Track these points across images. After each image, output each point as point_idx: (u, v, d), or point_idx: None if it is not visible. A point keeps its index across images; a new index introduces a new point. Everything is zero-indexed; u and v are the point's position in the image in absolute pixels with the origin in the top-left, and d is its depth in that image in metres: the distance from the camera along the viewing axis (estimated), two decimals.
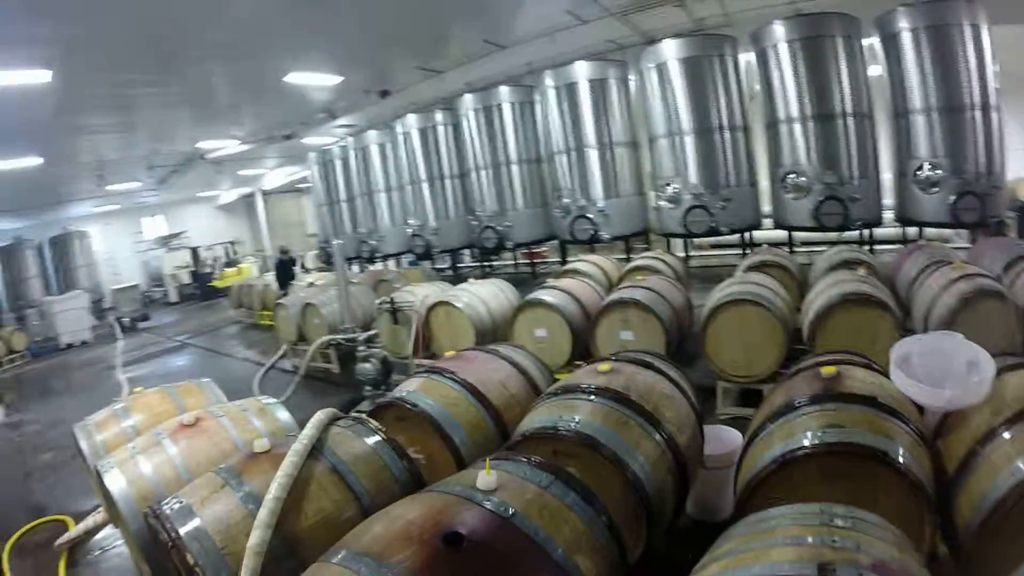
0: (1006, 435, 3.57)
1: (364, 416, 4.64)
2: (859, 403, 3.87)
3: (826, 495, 3.03)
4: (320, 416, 4.21)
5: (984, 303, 6.60)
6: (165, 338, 20.17)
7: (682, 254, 14.95)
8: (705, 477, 5.09)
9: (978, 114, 11.62)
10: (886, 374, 4.41)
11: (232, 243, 35.18)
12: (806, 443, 3.63)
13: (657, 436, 4.27)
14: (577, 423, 4.16)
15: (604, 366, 4.93)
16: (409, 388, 5.29)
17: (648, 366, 5.16)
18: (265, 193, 36.04)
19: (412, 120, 18.88)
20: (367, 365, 9.12)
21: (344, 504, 3.72)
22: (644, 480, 3.96)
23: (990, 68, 11.66)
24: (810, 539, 2.38)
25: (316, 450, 3.90)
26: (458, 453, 4.83)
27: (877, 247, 13.27)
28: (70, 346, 21.66)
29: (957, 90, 11.63)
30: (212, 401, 5.96)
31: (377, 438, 4.26)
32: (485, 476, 3.13)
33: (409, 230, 19.29)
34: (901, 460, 3.46)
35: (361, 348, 9.35)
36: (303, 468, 3.69)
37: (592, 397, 4.44)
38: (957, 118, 11.66)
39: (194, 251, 32.77)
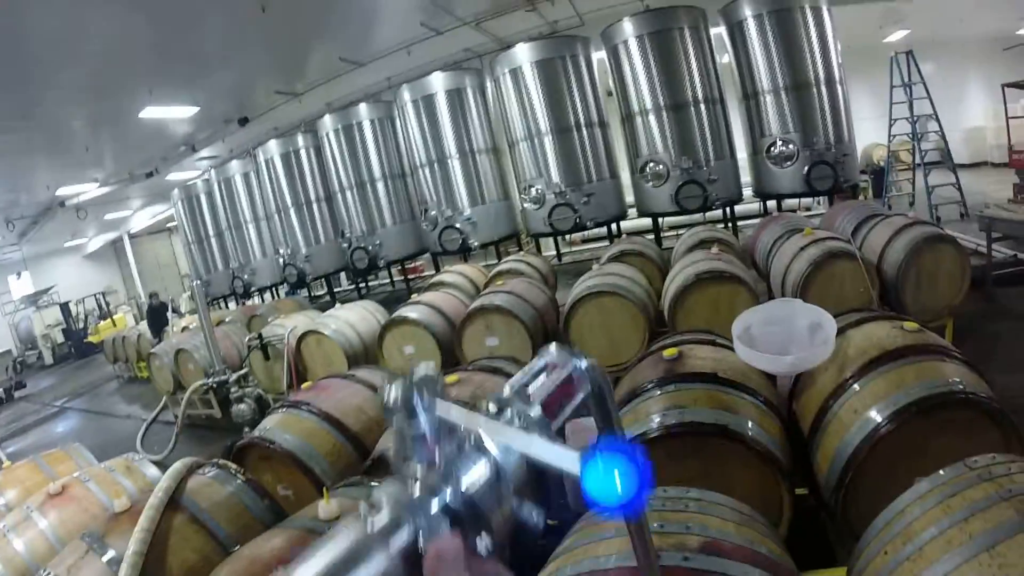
0: (855, 387, 3.55)
1: (223, 461, 4.53)
2: (700, 381, 3.74)
3: (680, 476, 3.02)
4: (177, 466, 4.08)
5: (834, 264, 6.70)
6: (43, 404, 18.87)
7: (553, 252, 15.04)
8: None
9: (824, 89, 12.12)
10: (732, 348, 4.23)
11: (104, 293, 33.04)
12: (651, 427, 3.51)
13: None
14: None
15: (452, 378, 4.96)
16: (267, 426, 5.24)
17: (496, 371, 5.18)
18: (133, 236, 34.09)
19: (273, 146, 18.10)
20: (242, 406, 8.92)
21: (208, 552, 3.65)
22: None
23: (833, 45, 12.18)
24: None
25: (176, 501, 3.81)
26: (321, 483, 4.70)
27: (740, 223, 13.59)
28: None
29: (802, 68, 12.10)
30: (83, 465, 5.77)
31: (238, 481, 4.18)
32: (325, 506, 3.23)
33: (280, 259, 18.48)
34: (746, 431, 3.38)
35: (234, 389, 9.14)
36: (164, 521, 3.62)
37: None
38: (804, 95, 12.13)
39: (64, 307, 30.55)
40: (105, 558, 3.45)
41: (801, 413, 3.93)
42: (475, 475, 1.21)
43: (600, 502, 1.03)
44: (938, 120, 13.06)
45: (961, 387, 3.25)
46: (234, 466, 4.36)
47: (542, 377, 1.52)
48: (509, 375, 4.88)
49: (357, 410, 5.47)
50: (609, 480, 1.02)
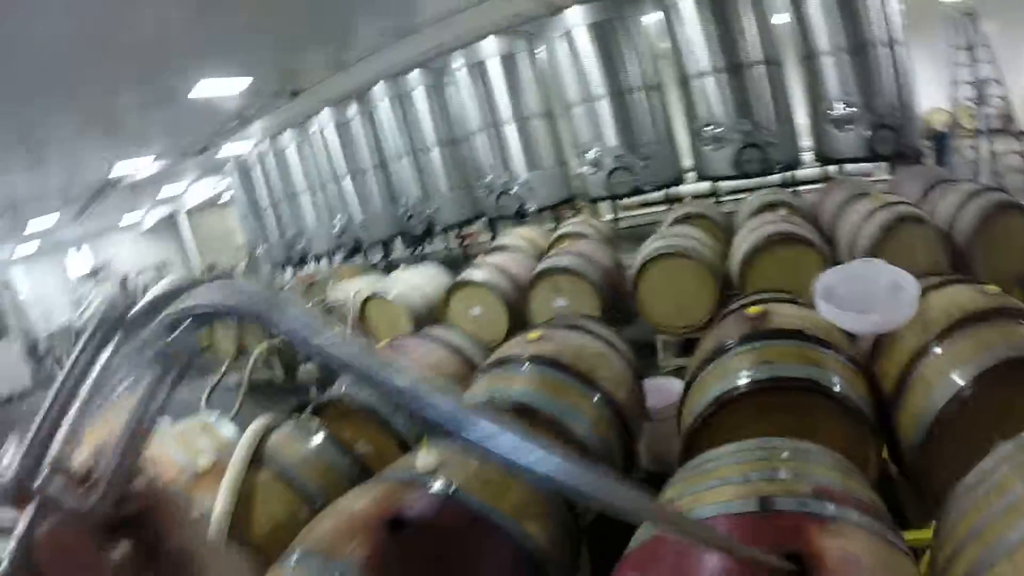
0: (937, 350, 3.60)
1: (304, 417, 4.70)
2: (787, 338, 3.86)
3: (767, 432, 3.01)
4: (256, 425, 4.12)
5: (905, 229, 6.67)
6: None
7: (611, 217, 14.96)
8: (653, 429, 5.03)
9: (885, 50, 11.79)
10: (813, 308, 4.36)
11: (162, 267, 33.92)
12: (739, 383, 3.60)
13: (595, 396, 4.23)
14: (512, 394, 4.11)
15: (533, 335, 4.88)
16: (347, 383, 5.22)
17: (578, 328, 5.15)
18: (188, 211, 34.74)
19: (326, 116, 18.36)
20: (310, 366, 8.91)
21: (295, 507, 3.69)
22: (587, 440, 3.93)
23: (894, 4, 11.86)
24: (750, 475, 2.36)
25: (259, 459, 3.83)
26: (402, 440, 4.81)
27: (800, 188, 13.35)
28: (10, 398, 20.55)
29: (863, 28, 11.77)
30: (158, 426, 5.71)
31: (320, 437, 4.23)
32: (424, 457, 3.09)
33: (336, 228, 18.84)
34: (835, 387, 3.46)
35: None
36: (249, 478, 3.63)
37: (525, 366, 4.36)
38: (865, 56, 11.81)
39: (123, 280, 31.38)
40: (192, 517, 3.50)
41: (882, 374, 4.00)
42: None
43: None
44: (1002, 84, 12.74)
45: None
46: (315, 422, 4.46)
47: None
48: (590, 331, 5.07)
49: (435, 368, 5.53)
50: None
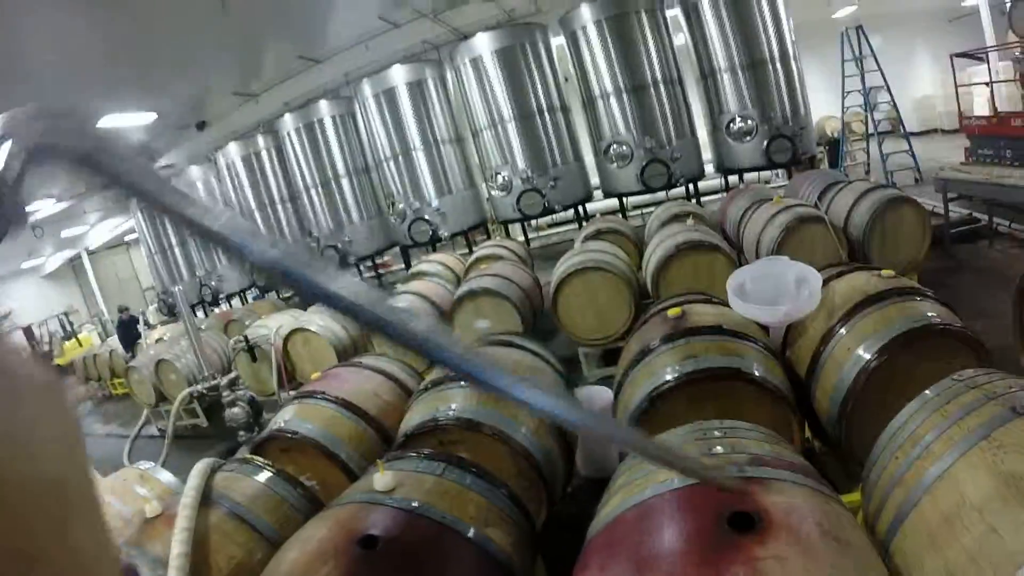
0: (842, 331, 3.93)
1: (248, 455, 4.51)
2: (707, 333, 4.06)
3: (696, 420, 3.17)
4: (200, 466, 3.95)
5: (805, 228, 7.18)
6: None
7: (521, 238, 15.20)
8: (588, 436, 5.12)
9: (779, 65, 12.66)
10: (727, 305, 4.61)
11: (66, 313, 32.27)
12: (668, 377, 3.80)
13: None
14: (455, 410, 4.21)
15: None
16: (285, 418, 5.17)
17: (508, 344, 5.28)
18: (91, 252, 33.15)
19: (233, 149, 18.00)
20: (236, 410, 8.69)
21: (252, 545, 3.60)
22: (531, 448, 4.05)
23: (786, 23, 12.69)
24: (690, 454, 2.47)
25: (209, 500, 3.69)
26: (348, 469, 4.79)
27: (704, 199, 14.08)
28: None
29: (757, 46, 12.61)
30: None
31: (267, 473, 4.11)
32: (381, 477, 3.11)
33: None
34: (756, 372, 3.72)
35: (226, 393, 8.88)
36: (201, 521, 3.48)
37: (462, 383, 4.43)
38: (760, 72, 12.65)
39: (27, 330, 29.33)
40: (147, 565, 3.34)
41: (796, 359, 4.33)
42: None
43: None
44: (889, 91, 13.64)
45: (939, 320, 3.67)
46: (259, 459, 4.33)
47: None
48: (520, 347, 5.17)
49: (373, 395, 5.49)
50: None
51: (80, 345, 27.31)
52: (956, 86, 12.22)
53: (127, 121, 15.59)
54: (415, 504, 2.95)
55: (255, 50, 15.04)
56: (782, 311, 4.23)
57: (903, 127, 13.99)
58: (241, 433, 8.67)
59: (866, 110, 13.84)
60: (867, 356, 3.68)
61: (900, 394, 2.96)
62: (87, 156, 0.79)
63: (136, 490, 4.82)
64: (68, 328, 31.21)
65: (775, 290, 4.50)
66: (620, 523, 2.29)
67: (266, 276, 0.83)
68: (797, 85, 12.79)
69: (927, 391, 2.71)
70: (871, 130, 13.98)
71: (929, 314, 3.73)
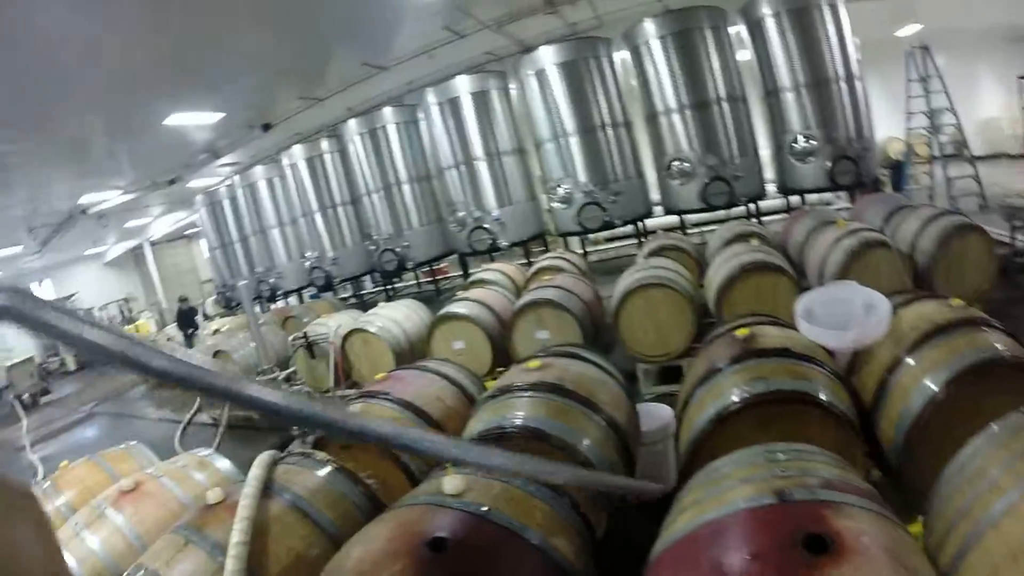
0: (910, 361, 3.98)
1: (309, 450, 4.55)
2: (775, 356, 4.13)
3: (762, 441, 3.21)
4: (263, 457, 4.02)
5: (870, 254, 7.13)
6: (70, 410, 18.70)
7: (580, 251, 15.23)
8: (643, 454, 5.20)
9: (843, 85, 12.55)
10: (794, 328, 4.67)
11: (126, 300, 33.48)
12: (735, 398, 3.86)
13: (598, 419, 4.37)
14: (521, 418, 4.23)
15: (534, 363, 4.96)
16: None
17: (575, 356, 5.27)
18: (153, 243, 34.34)
19: (298, 151, 18.56)
20: None
21: (312, 539, 3.62)
22: (595, 461, 4.06)
23: (850, 41, 12.60)
24: (761, 475, 2.56)
25: (270, 491, 3.73)
26: (408, 471, 4.79)
27: (764, 219, 13.95)
28: None
29: (821, 65, 12.53)
30: (146, 464, 5.72)
31: (328, 468, 4.14)
32: (450, 480, 3.12)
33: (307, 263, 18.87)
34: (823, 397, 3.76)
35: (283, 387, 9.04)
36: (262, 511, 3.52)
37: (529, 392, 4.48)
38: (824, 91, 12.55)
39: (86, 313, 30.80)
40: (205, 548, 3.32)
41: (861, 386, 4.35)
42: None
43: None
44: (955, 113, 13.44)
45: (1008, 353, 3.71)
46: (321, 454, 4.33)
47: None
48: (586, 359, 5.25)
49: (436, 399, 5.51)
50: None
51: (137, 331, 28.07)
52: (1023, 109, 12.00)
53: (195, 120, 16.13)
54: (484, 508, 2.98)
55: (320, 57, 15.39)
56: (850, 336, 4.29)
57: (968, 150, 13.75)
58: (295, 428, 8.86)
59: (931, 133, 13.65)
60: (935, 387, 3.72)
61: (966, 426, 2.97)
62: (6, 310, 0.86)
63: (194, 476, 4.96)
64: (126, 314, 32.27)
65: (843, 315, 4.54)
66: (692, 540, 2.37)
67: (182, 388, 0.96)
68: (861, 105, 12.66)
69: (993, 425, 2.77)
70: (935, 153, 13.77)
71: (998, 346, 3.76)
